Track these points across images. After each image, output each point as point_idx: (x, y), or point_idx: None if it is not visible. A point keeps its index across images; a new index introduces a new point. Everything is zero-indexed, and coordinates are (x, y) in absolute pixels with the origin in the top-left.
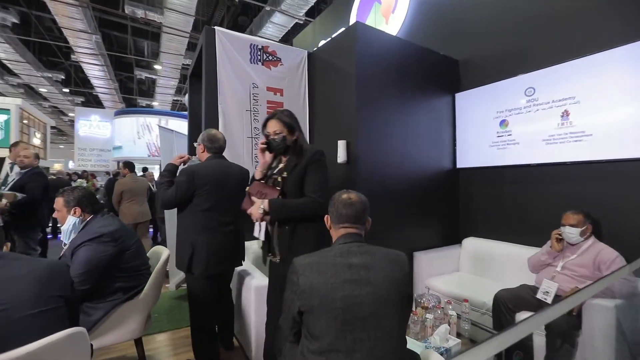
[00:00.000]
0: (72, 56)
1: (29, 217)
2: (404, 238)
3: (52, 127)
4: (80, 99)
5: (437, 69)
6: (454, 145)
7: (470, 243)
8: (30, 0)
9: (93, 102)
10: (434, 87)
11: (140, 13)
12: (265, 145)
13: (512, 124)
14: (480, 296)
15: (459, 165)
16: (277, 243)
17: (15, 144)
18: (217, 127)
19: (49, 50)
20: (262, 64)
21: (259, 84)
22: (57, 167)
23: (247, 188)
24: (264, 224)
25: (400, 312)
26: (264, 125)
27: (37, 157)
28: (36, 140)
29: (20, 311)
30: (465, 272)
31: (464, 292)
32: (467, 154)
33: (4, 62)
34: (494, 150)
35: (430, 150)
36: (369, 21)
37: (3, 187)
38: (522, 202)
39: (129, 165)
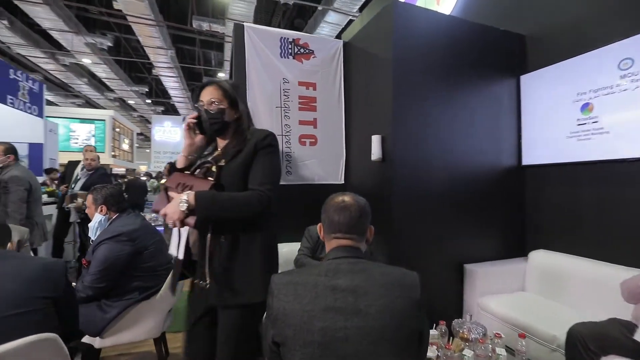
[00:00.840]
0: (153, 71)
1: None
2: (451, 247)
3: (139, 134)
4: (160, 108)
5: (496, 48)
6: (519, 137)
7: (540, 257)
8: (120, 25)
9: (171, 110)
10: (492, 70)
11: (205, 26)
12: (195, 121)
13: (598, 107)
14: (550, 327)
15: (526, 161)
16: (209, 260)
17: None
18: None
19: (136, 67)
20: (294, 58)
21: (290, 79)
22: (142, 168)
23: (163, 181)
24: (185, 231)
25: (400, 353)
26: (198, 95)
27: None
28: (125, 146)
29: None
30: (532, 293)
31: (527, 318)
32: (536, 148)
33: (104, 80)
34: (572, 143)
35: (486, 145)
36: (419, 5)
37: (73, 185)
38: (612, 207)
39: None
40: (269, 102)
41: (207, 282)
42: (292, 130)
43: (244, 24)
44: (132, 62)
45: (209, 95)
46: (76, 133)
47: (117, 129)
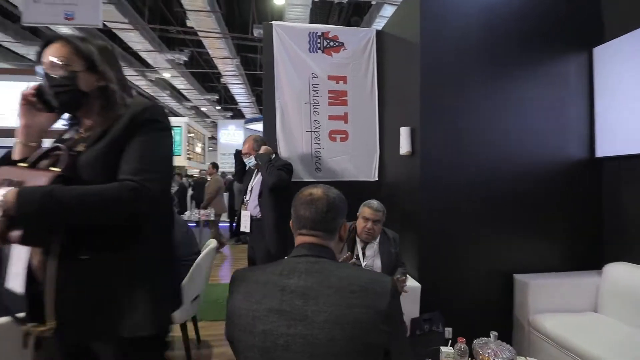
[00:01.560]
0: (221, 80)
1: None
2: (498, 253)
3: (210, 138)
4: (229, 114)
5: (559, 17)
6: (591, 124)
7: (620, 271)
8: (193, 41)
9: (238, 115)
10: (553, 45)
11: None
12: (33, 92)
13: None
14: None
15: (601, 153)
16: (57, 291)
17: None
18: (274, 124)
19: (208, 77)
20: (323, 52)
21: (319, 74)
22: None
23: None
24: (22, 254)
25: None
26: (39, 56)
27: None
28: (198, 149)
29: None
30: (606, 316)
31: (594, 346)
32: (615, 135)
33: (182, 90)
34: None
35: (546, 134)
36: None
37: None
38: None
39: (216, 165)
40: (298, 98)
41: (52, 325)
42: (321, 126)
43: (273, 22)
44: (204, 73)
45: (51, 54)
46: None
47: (192, 134)
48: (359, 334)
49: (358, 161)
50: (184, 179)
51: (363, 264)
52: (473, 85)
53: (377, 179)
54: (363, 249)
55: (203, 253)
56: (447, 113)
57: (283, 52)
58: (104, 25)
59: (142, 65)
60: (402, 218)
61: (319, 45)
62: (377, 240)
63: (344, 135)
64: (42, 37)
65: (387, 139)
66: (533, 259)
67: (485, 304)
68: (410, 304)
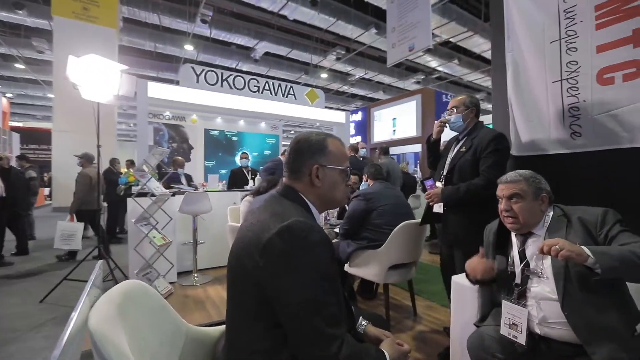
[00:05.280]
0: None
1: None
2: None
3: None
4: None
5: None
6: None
7: None
8: None
9: None
10: None
11: None
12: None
13: None
14: None
15: None
16: None
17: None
18: (504, 84)
19: None
20: None
21: None
22: None
23: None
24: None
25: (239, 291)
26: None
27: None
28: None
29: None
30: None
31: None
32: None
33: None
34: None
35: None
36: None
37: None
38: None
39: None
40: (539, 39)
41: None
42: (581, 67)
43: None
44: None
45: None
46: None
47: None
48: (242, 255)
49: None
50: None
51: (517, 270)
52: None
53: None
54: (521, 246)
55: (401, 226)
56: None
57: None
58: (448, 42)
59: (487, 64)
60: None
61: None
62: (544, 227)
63: (634, 70)
64: None
65: None
66: None
67: None
68: None
